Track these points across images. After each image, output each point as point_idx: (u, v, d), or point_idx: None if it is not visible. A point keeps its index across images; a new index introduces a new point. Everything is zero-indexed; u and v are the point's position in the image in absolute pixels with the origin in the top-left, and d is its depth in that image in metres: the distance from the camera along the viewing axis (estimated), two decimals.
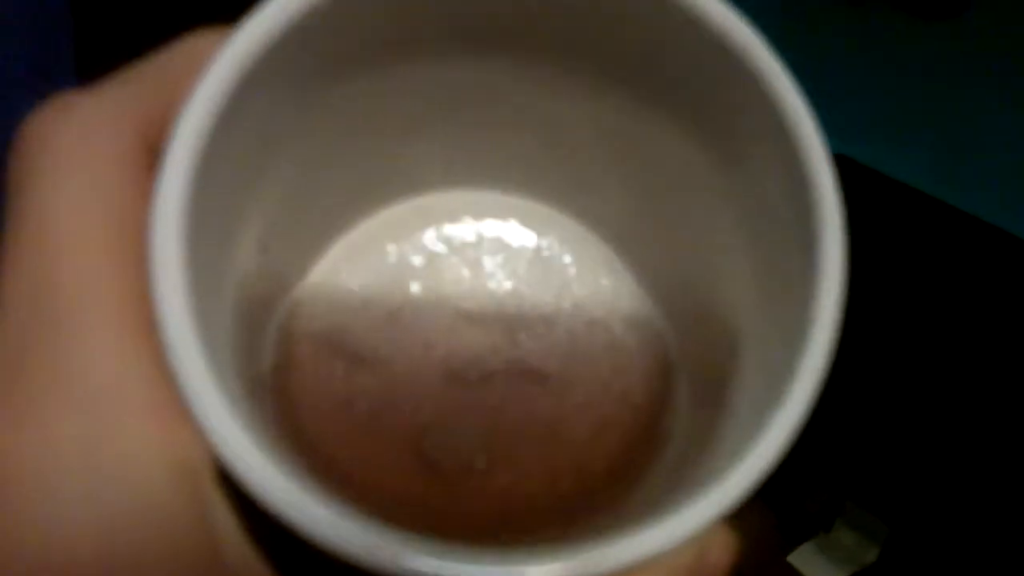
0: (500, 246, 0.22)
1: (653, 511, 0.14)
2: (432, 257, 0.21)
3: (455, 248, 0.22)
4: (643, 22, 0.16)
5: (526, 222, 0.22)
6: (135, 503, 0.14)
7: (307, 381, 0.20)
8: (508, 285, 0.21)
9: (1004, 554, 0.62)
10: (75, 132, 0.16)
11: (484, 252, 0.22)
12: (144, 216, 0.14)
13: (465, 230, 0.22)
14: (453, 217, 0.22)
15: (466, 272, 0.21)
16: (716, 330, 0.19)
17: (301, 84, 0.16)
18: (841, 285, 0.15)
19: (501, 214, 0.22)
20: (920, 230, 0.63)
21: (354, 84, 0.17)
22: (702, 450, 0.17)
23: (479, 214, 0.22)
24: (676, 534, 0.13)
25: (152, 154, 0.16)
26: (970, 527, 0.64)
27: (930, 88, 0.60)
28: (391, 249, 0.21)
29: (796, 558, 0.67)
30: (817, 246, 0.15)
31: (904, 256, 0.64)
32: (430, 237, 0.22)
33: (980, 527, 0.63)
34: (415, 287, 0.21)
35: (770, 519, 0.67)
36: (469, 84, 0.19)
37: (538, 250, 0.22)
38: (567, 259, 0.22)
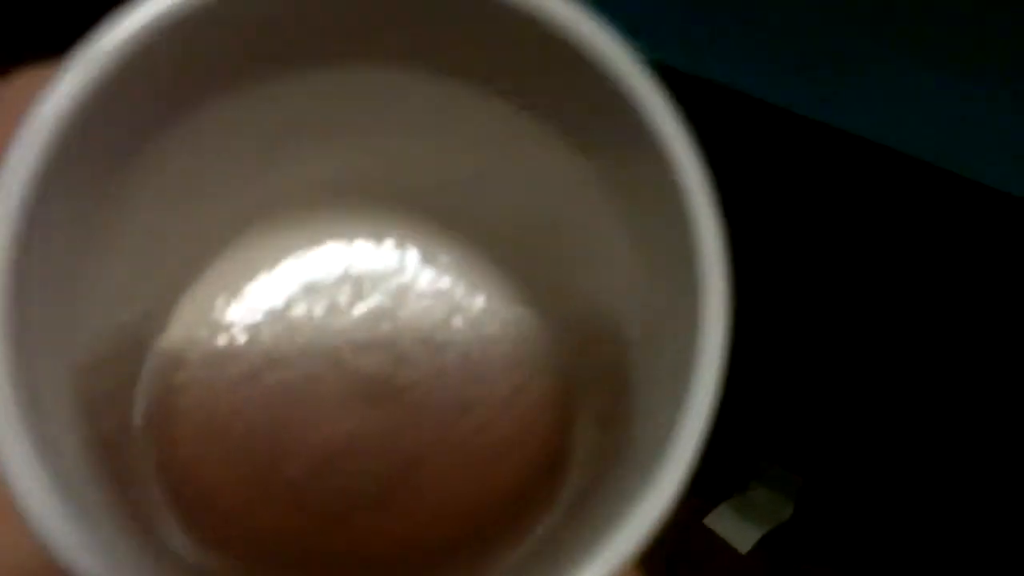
0: (382, 268, 0.21)
1: (558, 558, 0.14)
2: (309, 282, 0.20)
3: (332, 272, 0.21)
4: (496, 27, 0.15)
5: (409, 241, 0.21)
6: None
7: (186, 425, 0.19)
8: (393, 308, 0.21)
9: (920, 504, 0.63)
10: None
11: (364, 275, 0.21)
12: None
13: (342, 252, 0.21)
14: (327, 239, 0.21)
15: (346, 297, 0.20)
16: (608, 356, 0.19)
17: (141, 121, 0.15)
18: (725, 323, 0.14)
19: (380, 233, 0.21)
20: (826, 181, 0.62)
21: (202, 112, 0.16)
22: (604, 481, 0.17)
23: (355, 235, 0.21)
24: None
25: None
26: (887, 480, 0.64)
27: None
28: (263, 278, 0.20)
29: (713, 520, 0.67)
30: (700, 278, 0.15)
31: (802, 199, 0.63)
32: (304, 262, 0.20)
33: (895, 480, 0.64)
34: (294, 316, 0.20)
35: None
36: (334, 96, 0.18)
37: (424, 270, 0.21)
38: (455, 278, 0.21)
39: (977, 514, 0.62)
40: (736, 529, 0.66)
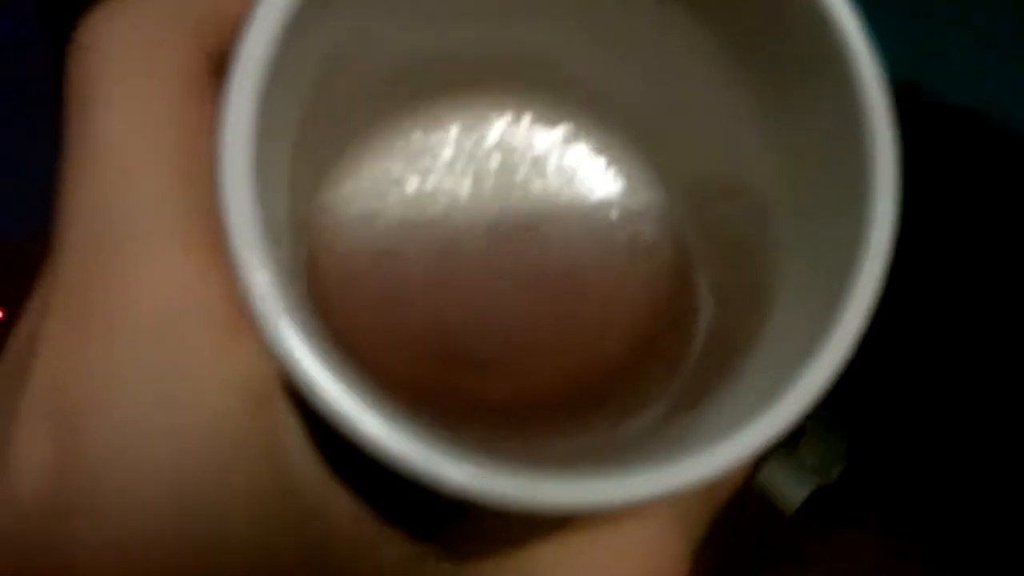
0: (523, 141, 0.22)
1: (689, 434, 0.15)
2: (458, 150, 0.22)
3: (480, 142, 0.22)
4: None
5: (550, 118, 0.22)
6: (207, 429, 0.15)
7: (334, 269, 0.20)
8: (530, 178, 0.22)
9: (966, 470, 0.64)
10: (135, 43, 0.15)
11: (506, 146, 0.22)
12: (207, 131, 0.14)
13: (491, 125, 0.22)
14: (479, 113, 0.22)
15: (487, 164, 0.22)
16: (743, 244, 0.20)
17: None
18: (895, 211, 0.15)
19: (527, 108, 0.22)
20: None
21: None
22: (737, 365, 0.18)
23: (502, 108, 0.22)
24: (731, 458, 0.14)
25: (211, 61, 0.16)
26: (933, 446, 0.64)
27: None
28: (413, 144, 0.22)
29: (761, 476, 0.68)
30: (870, 173, 0.15)
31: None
32: (456, 131, 0.22)
33: (944, 446, 0.64)
34: (435, 181, 0.21)
35: None
36: None
37: (563, 144, 0.22)
38: (589, 154, 0.22)
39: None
40: (783, 486, 0.67)
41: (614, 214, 0.22)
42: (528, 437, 0.20)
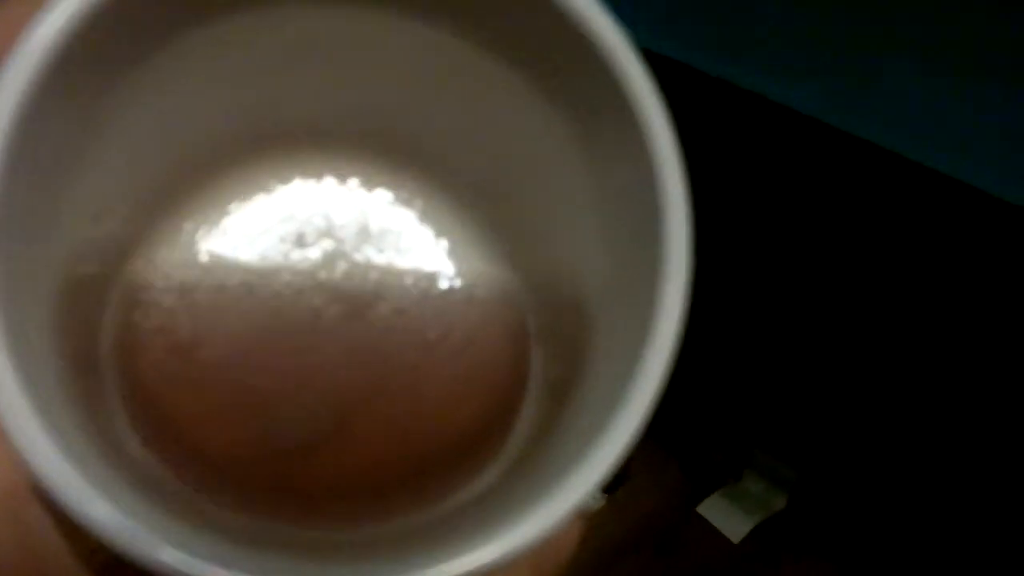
0: (349, 206, 0.21)
1: (506, 505, 0.15)
2: (279, 216, 0.21)
3: (301, 208, 0.21)
4: None
5: (375, 181, 0.21)
6: None
7: (150, 353, 0.19)
8: (358, 245, 0.21)
9: (911, 498, 0.63)
10: None
11: (331, 212, 0.21)
12: None
13: (311, 190, 0.21)
14: (296, 176, 0.21)
15: (313, 232, 0.21)
16: (567, 303, 0.19)
17: (127, 50, 0.16)
18: (686, 277, 0.15)
19: (347, 173, 0.21)
20: (824, 169, 0.62)
21: (186, 42, 0.17)
22: (555, 429, 0.18)
23: (323, 173, 0.21)
24: (525, 538, 0.14)
25: None
26: (877, 473, 0.64)
27: None
28: (234, 211, 0.21)
29: (705, 508, 0.67)
30: (662, 236, 0.15)
31: (803, 198, 0.63)
32: (274, 197, 0.21)
33: (887, 472, 0.64)
34: (261, 247, 0.21)
35: (678, 471, 0.66)
36: (305, 32, 0.18)
37: (391, 210, 0.21)
38: (420, 220, 0.21)
39: (967, 510, 0.62)
40: (728, 518, 0.66)
41: (448, 283, 0.21)
42: (359, 520, 0.19)
